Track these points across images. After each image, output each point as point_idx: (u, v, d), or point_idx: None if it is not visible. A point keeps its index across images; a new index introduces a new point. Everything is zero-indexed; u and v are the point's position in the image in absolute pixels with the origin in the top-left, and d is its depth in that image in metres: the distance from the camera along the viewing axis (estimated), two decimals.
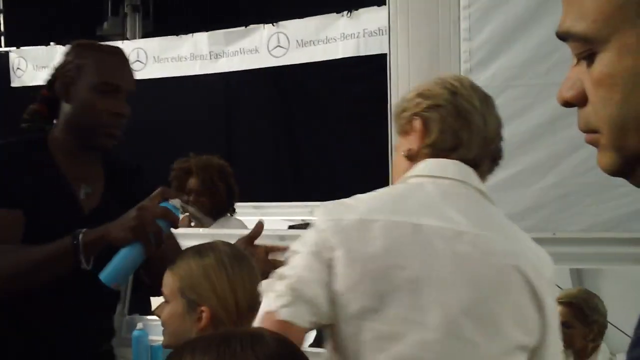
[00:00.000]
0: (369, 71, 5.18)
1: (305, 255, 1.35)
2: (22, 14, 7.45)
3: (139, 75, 2.26)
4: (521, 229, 1.49)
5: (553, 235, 2.49)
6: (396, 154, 1.58)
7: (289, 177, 7.27)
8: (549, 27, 2.70)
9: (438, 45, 2.92)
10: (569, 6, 0.69)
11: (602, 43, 0.66)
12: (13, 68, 7.28)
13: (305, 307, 1.29)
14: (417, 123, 1.50)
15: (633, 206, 2.49)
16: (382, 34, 5.10)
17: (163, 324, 1.67)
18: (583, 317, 2.79)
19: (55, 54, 7.07)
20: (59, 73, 1.89)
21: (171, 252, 1.80)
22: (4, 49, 7.46)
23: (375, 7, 5.39)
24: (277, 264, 1.50)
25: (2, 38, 7.55)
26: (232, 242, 1.81)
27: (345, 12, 5.70)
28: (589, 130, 0.70)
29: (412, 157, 1.50)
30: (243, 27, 6.21)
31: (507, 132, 1.59)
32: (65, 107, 1.88)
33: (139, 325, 2.78)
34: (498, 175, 1.65)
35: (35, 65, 7.19)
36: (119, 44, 5.86)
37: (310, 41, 5.87)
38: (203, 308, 1.60)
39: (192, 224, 3.47)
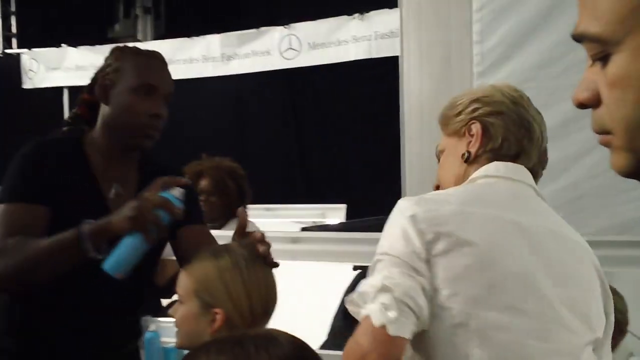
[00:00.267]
0: (381, 73, 5.18)
1: (399, 260, 1.33)
2: (34, 16, 7.48)
3: None
4: None
5: None
6: (446, 155, 1.61)
7: (301, 179, 7.27)
8: (561, 30, 2.70)
9: (450, 48, 2.92)
10: (584, 8, 0.69)
11: (617, 44, 0.66)
12: (25, 70, 7.30)
13: (412, 319, 1.30)
14: (477, 127, 1.53)
15: None
16: (394, 37, 5.09)
17: (177, 325, 1.68)
18: None
19: (66, 56, 7.13)
20: (99, 76, 1.92)
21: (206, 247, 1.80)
22: (15, 50, 7.49)
23: (387, 10, 5.38)
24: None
25: (14, 40, 7.58)
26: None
27: (356, 15, 5.70)
28: (602, 131, 0.71)
29: (470, 160, 1.54)
30: (255, 29, 6.22)
31: None
32: (104, 109, 1.91)
33: (152, 327, 2.79)
34: None
35: (46, 67, 7.21)
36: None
37: (322, 43, 5.88)
38: (217, 310, 1.59)
39: None
